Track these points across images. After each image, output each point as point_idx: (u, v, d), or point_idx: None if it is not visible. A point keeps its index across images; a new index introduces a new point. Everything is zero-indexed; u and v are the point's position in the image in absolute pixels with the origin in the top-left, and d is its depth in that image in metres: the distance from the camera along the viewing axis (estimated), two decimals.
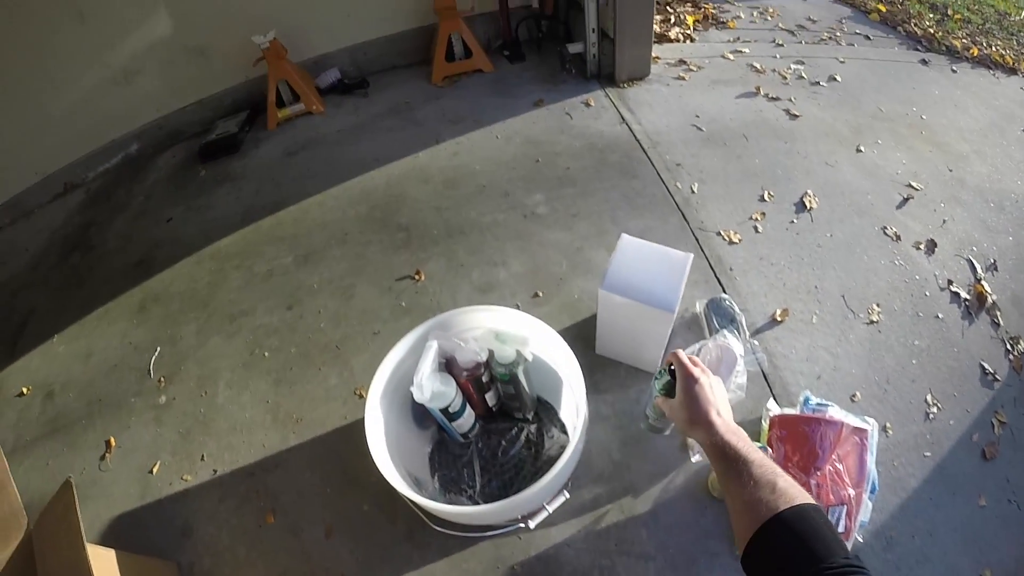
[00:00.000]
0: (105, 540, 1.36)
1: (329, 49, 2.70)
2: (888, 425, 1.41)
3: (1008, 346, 1.61)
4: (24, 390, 1.71)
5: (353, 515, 1.32)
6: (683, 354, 0.93)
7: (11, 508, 0.99)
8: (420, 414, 1.30)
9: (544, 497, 1.06)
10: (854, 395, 1.46)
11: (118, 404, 1.61)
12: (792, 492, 0.63)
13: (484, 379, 1.22)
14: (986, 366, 1.55)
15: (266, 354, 1.64)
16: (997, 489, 1.35)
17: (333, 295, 1.77)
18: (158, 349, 1.71)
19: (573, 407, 1.26)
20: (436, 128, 2.34)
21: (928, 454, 1.38)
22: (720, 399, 0.86)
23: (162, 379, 1.64)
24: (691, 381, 0.87)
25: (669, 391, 1.00)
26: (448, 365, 1.20)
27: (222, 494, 1.39)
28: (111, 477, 1.46)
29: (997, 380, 1.54)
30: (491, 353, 1.18)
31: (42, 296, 2.03)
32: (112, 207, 2.36)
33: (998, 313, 1.67)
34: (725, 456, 0.73)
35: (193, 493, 1.40)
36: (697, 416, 0.82)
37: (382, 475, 1.00)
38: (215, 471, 1.43)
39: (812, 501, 0.62)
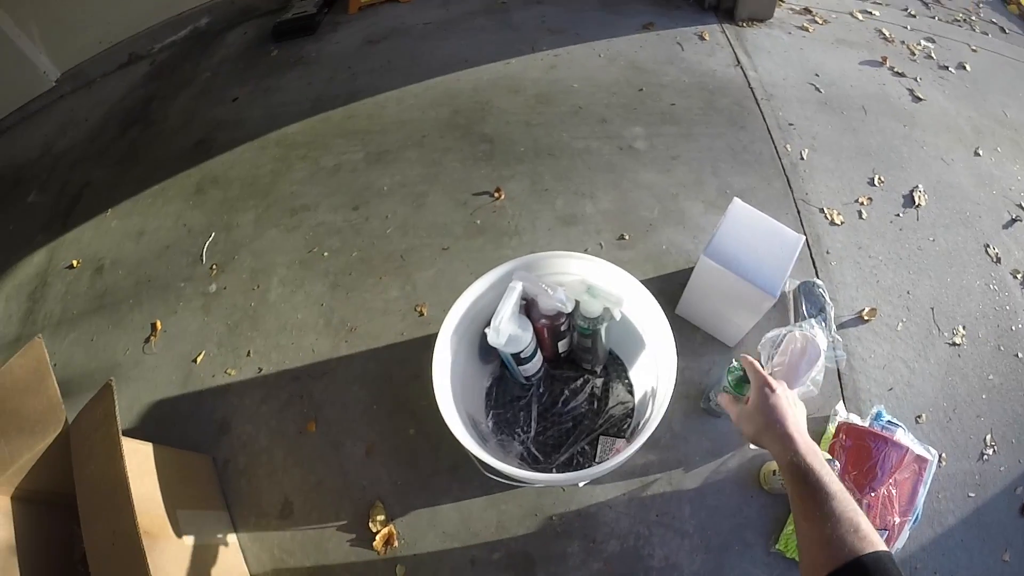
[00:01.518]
0: (143, 424, 1.35)
1: None
2: (943, 456, 1.32)
3: None
4: (74, 263, 1.69)
5: (397, 438, 1.27)
6: (756, 363, 0.88)
7: (50, 402, 0.96)
8: (486, 349, 1.19)
9: (608, 468, 0.96)
10: (920, 416, 1.35)
11: (167, 287, 1.57)
12: (873, 538, 0.63)
13: (563, 328, 1.11)
14: None
15: (325, 254, 1.55)
16: (1023, 547, 1.26)
17: (403, 201, 1.64)
18: (212, 235, 1.64)
19: (645, 369, 1.20)
20: (533, 35, 2.13)
21: (972, 495, 1.29)
22: (800, 413, 0.82)
23: (214, 266, 1.58)
24: (768, 390, 0.81)
25: (739, 388, 0.97)
26: (527, 307, 1.09)
27: (265, 394, 1.35)
28: (154, 361, 1.43)
29: None
30: (577, 304, 1.06)
31: (98, 169, 1.98)
32: (176, 82, 2.26)
33: None
34: (806, 480, 0.69)
35: (235, 389, 1.36)
36: (774, 428, 0.77)
37: (434, 401, 0.95)
38: (260, 369, 1.38)
39: (888, 549, 0.63)
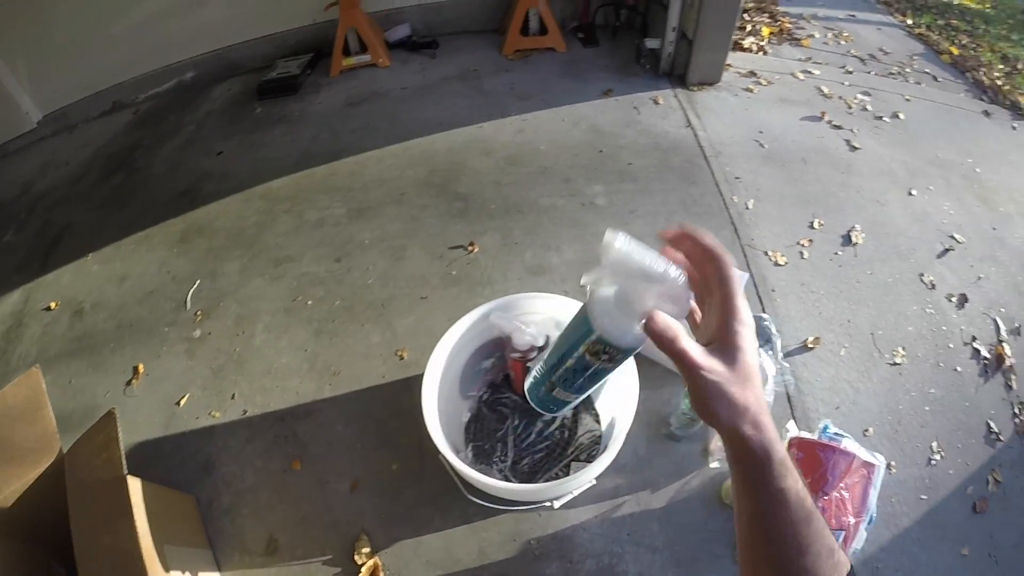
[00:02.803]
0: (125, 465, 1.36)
1: (403, 4, 2.64)
2: (893, 463, 1.43)
3: (1016, 410, 1.61)
4: (52, 305, 1.69)
5: (381, 473, 1.31)
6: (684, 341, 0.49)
7: (45, 431, 0.98)
8: (465, 383, 1.29)
9: (580, 484, 1.07)
10: (867, 430, 1.48)
11: (150, 331, 1.59)
12: (844, 559, 0.51)
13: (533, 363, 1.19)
14: (992, 425, 1.56)
15: (309, 303, 1.62)
16: (981, 542, 1.38)
17: (384, 253, 1.74)
18: (197, 282, 1.68)
19: (610, 400, 1.27)
20: (503, 101, 2.29)
21: (924, 497, 1.40)
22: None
23: (199, 312, 1.61)
24: (751, 336, 0.51)
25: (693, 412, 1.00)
26: (502, 344, 1.19)
27: (250, 435, 1.37)
28: (136, 404, 1.44)
29: (1000, 440, 1.55)
30: (547, 340, 1.16)
31: (80, 212, 2.00)
32: (161, 132, 2.32)
33: (1013, 377, 1.66)
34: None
35: (220, 430, 1.38)
36: (760, 413, 0.48)
37: (415, 438, 1.03)
38: (245, 411, 1.41)
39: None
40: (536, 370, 0.57)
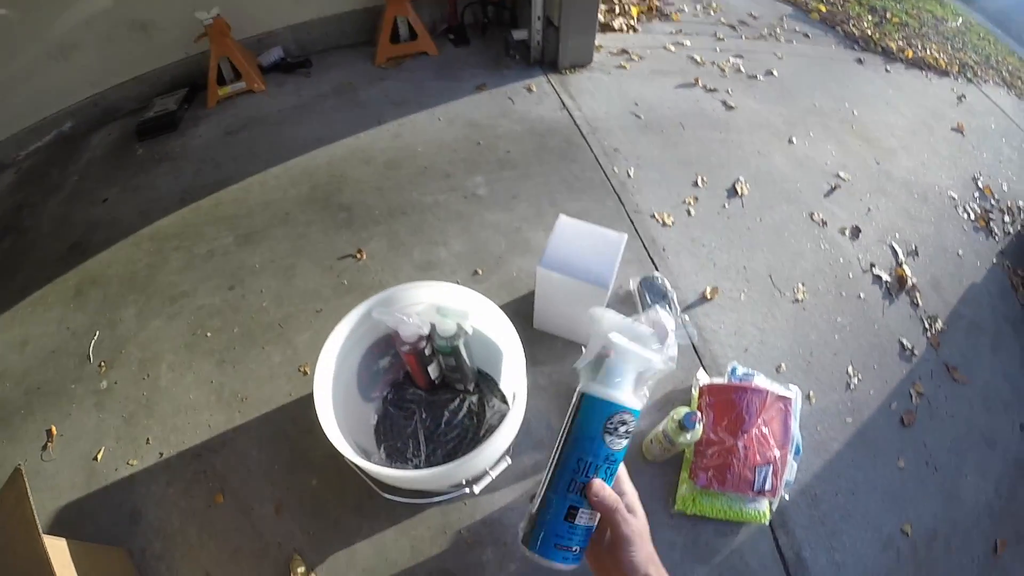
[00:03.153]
0: (53, 531, 1.29)
1: (273, 27, 2.61)
2: (812, 394, 1.52)
3: (926, 324, 1.74)
4: None
5: (302, 491, 1.33)
6: (603, 488, 0.58)
7: None
8: (365, 386, 1.33)
9: (487, 462, 1.11)
10: (779, 366, 1.56)
11: (58, 392, 1.56)
12: None
13: (427, 352, 1.24)
14: (904, 342, 1.68)
15: (208, 335, 1.63)
16: (915, 453, 1.48)
17: (275, 275, 1.76)
18: (97, 333, 1.67)
19: (512, 378, 1.28)
20: (379, 109, 2.32)
21: (849, 420, 1.49)
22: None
23: (103, 364, 1.60)
24: (641, 510, 0.62)
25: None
26: (392, 340, 1.23)
27: (170, 477, 1.38)
28: (54, 467, 1.42)
29: (915, 355, 1.67)
30: (433, 327, 1.21)
31: None
32: (45, 188, 2.25)
33: (917, 294, 1.80)
34: None
35: (140, 478, 1.38)
36: (650, 566, 0.56)
37: (329, 450, 1.01)
38: (161, 454, 1.41)
39: None
40: (537, 518, 0.56)
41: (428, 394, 1.40)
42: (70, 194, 2.18)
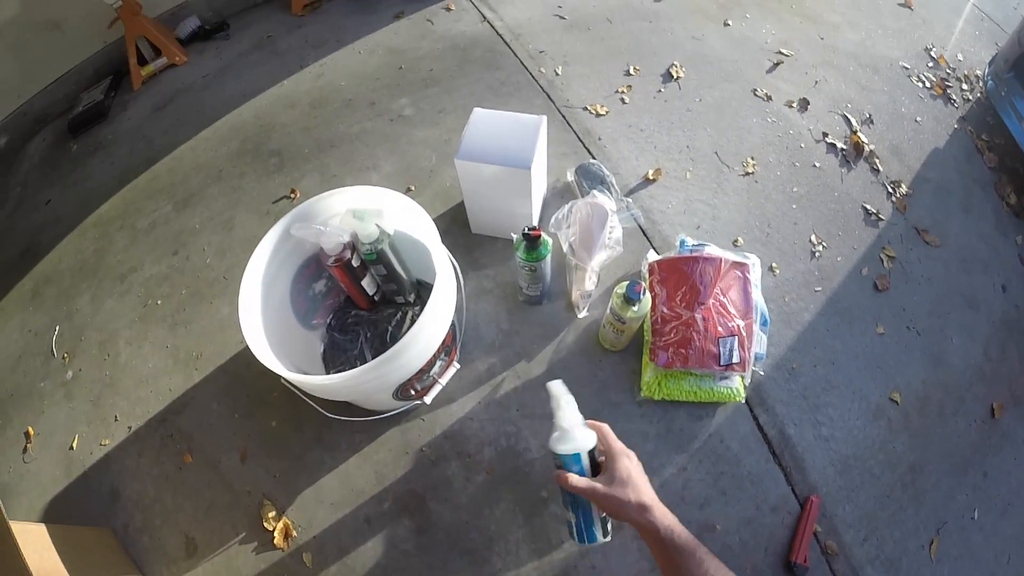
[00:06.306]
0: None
1: None
2: (774, 265, 1.42)
3: (890, 189, 1.64)
4: None
5: (263, 434, 1.30)
6: (608, 430, 0.76)
7: None
8: (303, 313, 1.25)
9: (419, 359, 1.02)
10: (736, 240, 1.47)
11: (29, 393, 1.52)
12: None
13: (354, 263, 1.15)
14: (869, 207, 1.58)
15: (159, 302, 1.56)
16: (894, 318, 1.39)
17: (215, 231, 1.68)
18: (57, 328, 1.61)
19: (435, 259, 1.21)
20: (300, 55, 2.20)
21: (819, 289, 1.40)
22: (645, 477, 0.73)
23: (66, 355, 1.55)
24: (626, 459, 0.71)
25: (529, 254, 1.10)
26: (320, 260, 1.15)
27: (140, 448, 1.34)
28: (37, 466, 1.39)
29: (881, 220, 1.56)
30: (354, 235, 1.12)
31: None
32: None
33: (877, 160, 1.69)
34: (678, 550, 0.64)
35: (113, 456, 1.35)
36: (641, 498, 0.67)
37: (284, 388, 0.97)
38: (130, 428, 1.38)
39: None
40: (580, 525, 0.74)
41: (370, 313, 1.33)
42: (13, 206, 2.10)
